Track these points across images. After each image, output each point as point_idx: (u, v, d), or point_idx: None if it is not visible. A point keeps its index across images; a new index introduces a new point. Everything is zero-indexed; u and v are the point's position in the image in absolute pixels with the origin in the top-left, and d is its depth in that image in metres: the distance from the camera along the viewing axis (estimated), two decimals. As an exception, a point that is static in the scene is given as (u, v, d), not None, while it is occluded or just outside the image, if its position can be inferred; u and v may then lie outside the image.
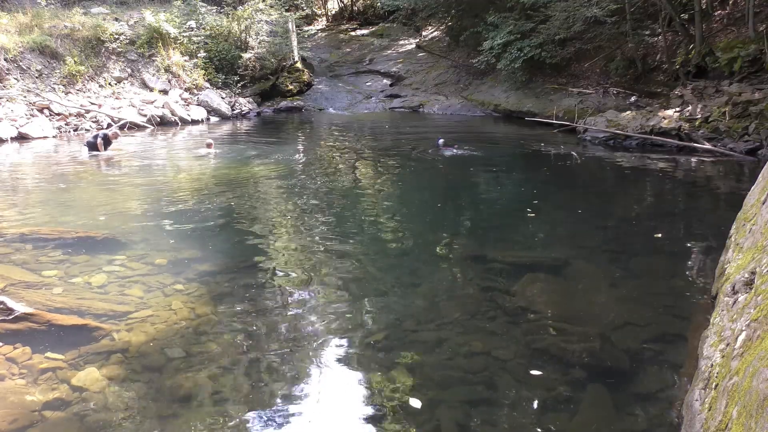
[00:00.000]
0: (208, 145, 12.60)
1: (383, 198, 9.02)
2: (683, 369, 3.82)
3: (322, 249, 6.33)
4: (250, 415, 3.46)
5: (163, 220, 7.33)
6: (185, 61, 19.34)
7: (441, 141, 12.54)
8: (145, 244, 6.31)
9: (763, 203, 4.54)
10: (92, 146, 12.01)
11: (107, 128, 14.58)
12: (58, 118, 15.69)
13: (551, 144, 13.26)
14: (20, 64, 16.36)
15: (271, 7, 21.08)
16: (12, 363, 3.92)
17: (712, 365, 3.27)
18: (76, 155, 12.11)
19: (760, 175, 5.67)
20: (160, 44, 18.94)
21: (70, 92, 16.83)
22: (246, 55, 20.50)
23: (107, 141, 12.20)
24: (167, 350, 4.13)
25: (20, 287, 5.00)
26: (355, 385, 3.79)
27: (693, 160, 11.19)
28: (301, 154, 12.99)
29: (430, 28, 26.78)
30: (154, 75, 18.72)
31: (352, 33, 30.01)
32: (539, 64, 17.70)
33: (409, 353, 4.13)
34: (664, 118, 12.90)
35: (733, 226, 5.41)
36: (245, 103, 20.08)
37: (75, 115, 16.02)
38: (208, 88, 19.36)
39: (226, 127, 17.36)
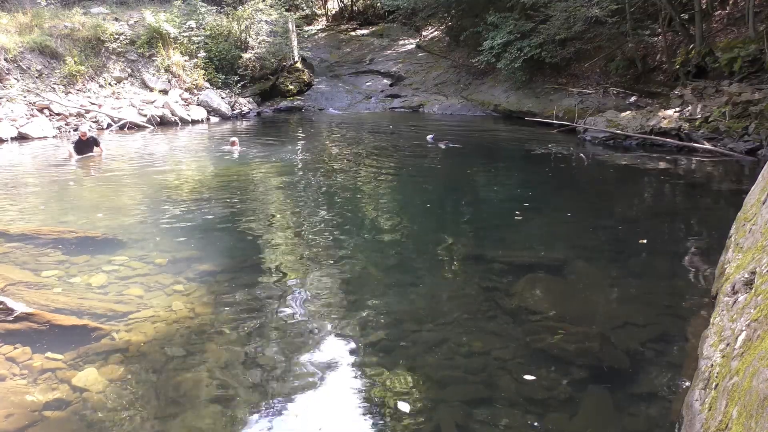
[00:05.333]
0: (232, 143, 12.65)
1: (383, 198, 9.02)
2: (683, 369, 3.81)
3: (322, 249, 6.33)
4: (250, 414, 3.46)
5: (163, 220, 7.34)
6: (185, 61, 19.33)
7: (431, 137, 13.64)
8: (145, 244, 6.31)
9: (763, 203, 4.54)
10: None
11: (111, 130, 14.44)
12: (58, 118, 15.69)
13: (551, 144, 13.25)
14: (20, 64, 16.37)
15: (271, 7, 21.08)
16: (12, 363, 3.92)
17: (712, 365, 3.27)
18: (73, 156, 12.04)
19: (760, 175, 5.67)
20: (160, 44, 18.94)
21: (70, 92, 16.83)
22: (246, 55, 20.50)
23: (78, 144, 11.83)
24: (167, 350, 4.13)
25: (20, 287, 5.00)
26: (355, 385, 3.79)
27: (693, 160, 11.19)
28: (301, 154, 12.98)
29: (430, 28, 26.77)
30: (154, 75, 18.71)
31: (352, 33, 29.99)
32: (539, 64, 17.70)
33: (409, 353, 4.13)
34: (664, 118, 12.90)
35: (733, 226, 5.40)
36: (245, 103, 20.07)
37: (75, 115, 16.02)
38: (208, 88, 19.36)
39: (226, 127, 17.34)
